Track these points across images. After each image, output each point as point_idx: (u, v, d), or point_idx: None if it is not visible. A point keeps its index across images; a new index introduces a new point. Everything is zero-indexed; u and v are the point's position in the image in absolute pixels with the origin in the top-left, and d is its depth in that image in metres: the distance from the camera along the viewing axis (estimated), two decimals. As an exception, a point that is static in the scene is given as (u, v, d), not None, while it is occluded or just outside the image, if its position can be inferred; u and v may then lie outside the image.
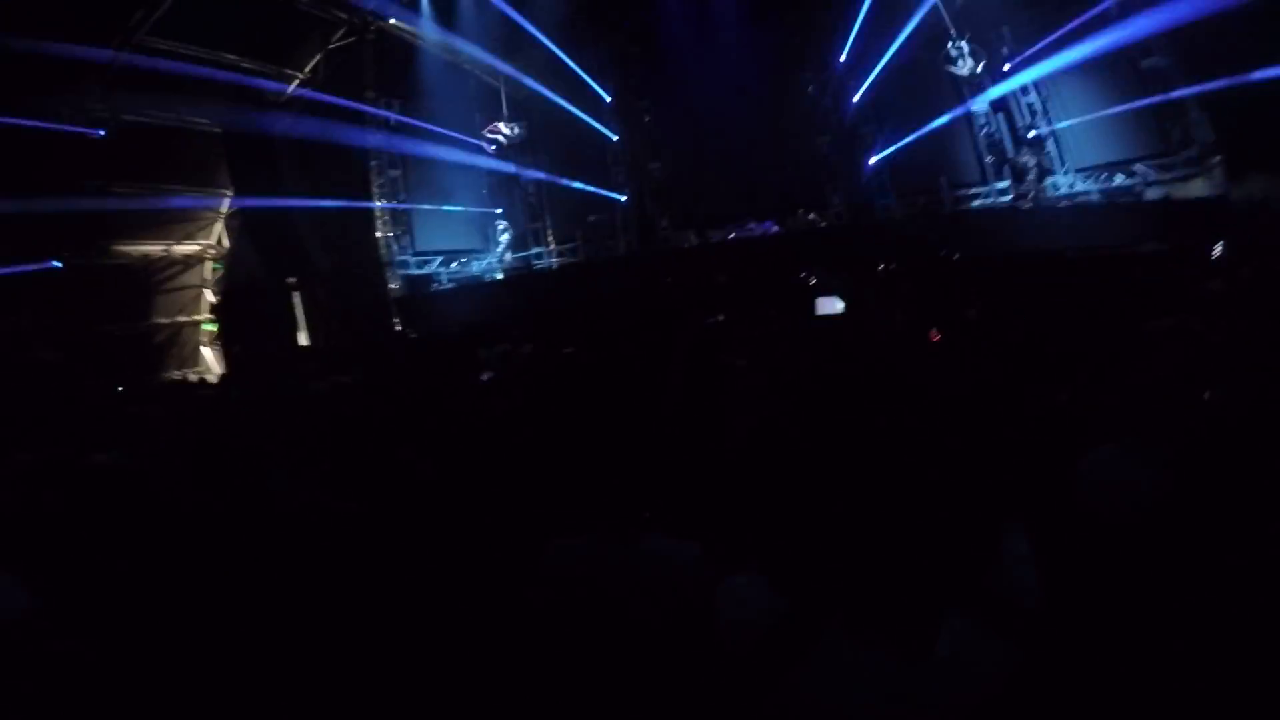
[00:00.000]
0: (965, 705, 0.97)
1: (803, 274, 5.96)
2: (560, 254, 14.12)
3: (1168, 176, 10.54)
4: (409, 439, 2.55)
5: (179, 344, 12.65)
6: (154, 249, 12.16)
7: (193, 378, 11.32)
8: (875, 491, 0.96)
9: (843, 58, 12.48)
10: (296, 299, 11.81)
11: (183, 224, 12.33)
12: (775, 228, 12.00)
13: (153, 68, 9.99)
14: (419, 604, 1.84)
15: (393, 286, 12.78)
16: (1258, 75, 8.35)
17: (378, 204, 12.91)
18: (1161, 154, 10.58)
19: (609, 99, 13.41)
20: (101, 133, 10.11)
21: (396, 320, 12.19)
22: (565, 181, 13.34)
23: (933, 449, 1.03)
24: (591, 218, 13.21)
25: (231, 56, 11.16)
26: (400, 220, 13.35)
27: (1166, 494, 1.26)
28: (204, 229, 12.71)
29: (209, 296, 12.94)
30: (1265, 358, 2.06)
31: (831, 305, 4.12)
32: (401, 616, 1.81)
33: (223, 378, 10.92)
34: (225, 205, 12.51)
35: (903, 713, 0.95)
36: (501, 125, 13.44)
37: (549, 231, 14.27)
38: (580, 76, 12.90)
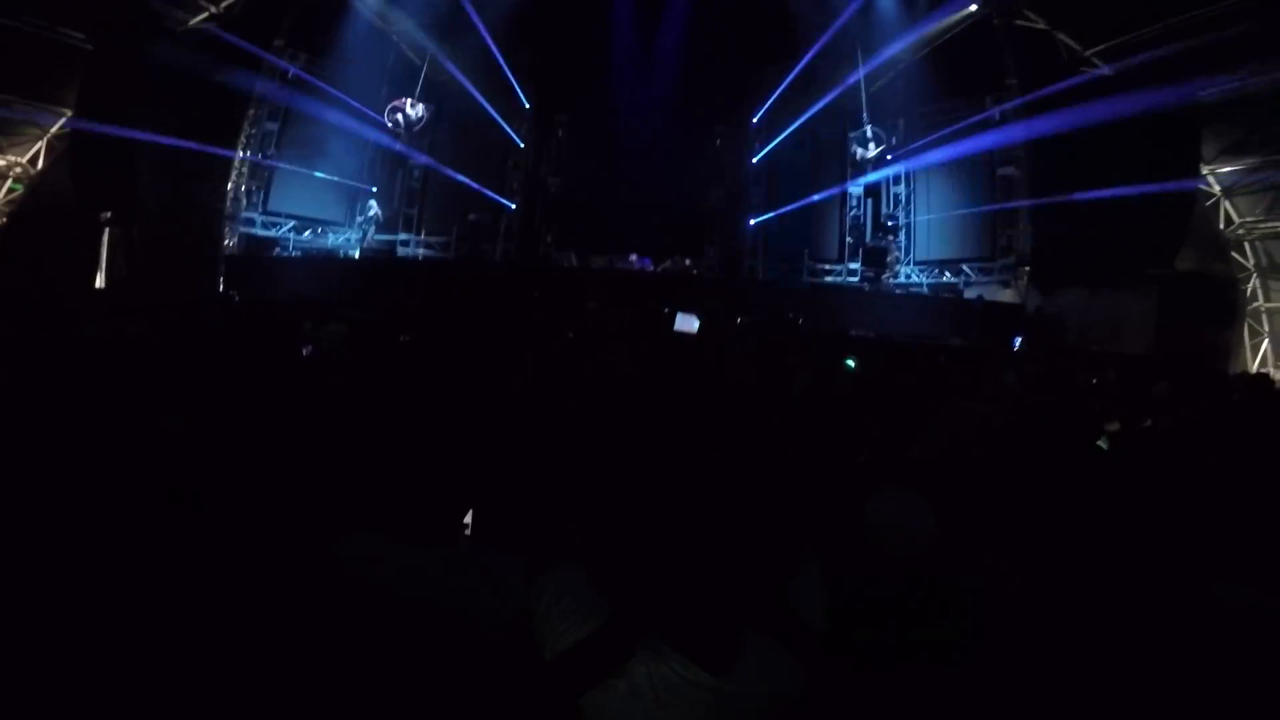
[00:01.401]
0: (763, 714, 1.10)
1: (666, 310, 6.15)
2: (429, 246, 13.45)
3: (985, 280, 12.12)
4: (184, 405, 2.19)
5: (-64, 264, 10.41)
6: (-54, 158, 10.01)
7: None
8: (696, 514, 1.05)
9: (755, 118, 13.21)
10: (105, 237, 10.19)
11: (-7, 136, 10.29)
12: (651, 265, 12.32)
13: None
14: (174, 596, 1.55)
15: (228, 243, 11.44)
16: (1078, 196, 9.69)
17: (239, 154, 11.54)
18: (986, 259, 12.18)
19: (528, 105, 13.17)
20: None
21: (222, 279, 10.89)
22: (455, 174, 12.80)
23: (749, 483, 1.14)
24: (473, 216, 12.72)
25: (147, -26, 9.73)
26: (258, 175, 12.07)
27: (931, 535, 1.57)
28: (20, 145, 10.81)
29: (-3, 218, 10.82)
30: (1039, 444, 2.50)
31: (689, 323, 4.27)
32: (147, 610, 1.51)
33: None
34: (58, 125, 10.65)
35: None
36: (408, 103, 12.70)
37: (422, 220, 13.56)
38: (505, 77, 12.54)
